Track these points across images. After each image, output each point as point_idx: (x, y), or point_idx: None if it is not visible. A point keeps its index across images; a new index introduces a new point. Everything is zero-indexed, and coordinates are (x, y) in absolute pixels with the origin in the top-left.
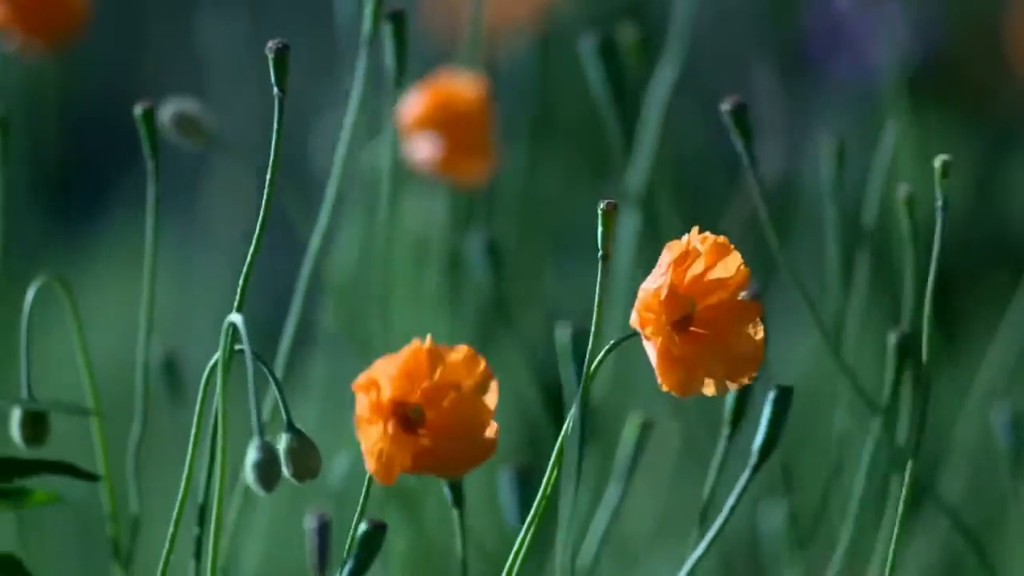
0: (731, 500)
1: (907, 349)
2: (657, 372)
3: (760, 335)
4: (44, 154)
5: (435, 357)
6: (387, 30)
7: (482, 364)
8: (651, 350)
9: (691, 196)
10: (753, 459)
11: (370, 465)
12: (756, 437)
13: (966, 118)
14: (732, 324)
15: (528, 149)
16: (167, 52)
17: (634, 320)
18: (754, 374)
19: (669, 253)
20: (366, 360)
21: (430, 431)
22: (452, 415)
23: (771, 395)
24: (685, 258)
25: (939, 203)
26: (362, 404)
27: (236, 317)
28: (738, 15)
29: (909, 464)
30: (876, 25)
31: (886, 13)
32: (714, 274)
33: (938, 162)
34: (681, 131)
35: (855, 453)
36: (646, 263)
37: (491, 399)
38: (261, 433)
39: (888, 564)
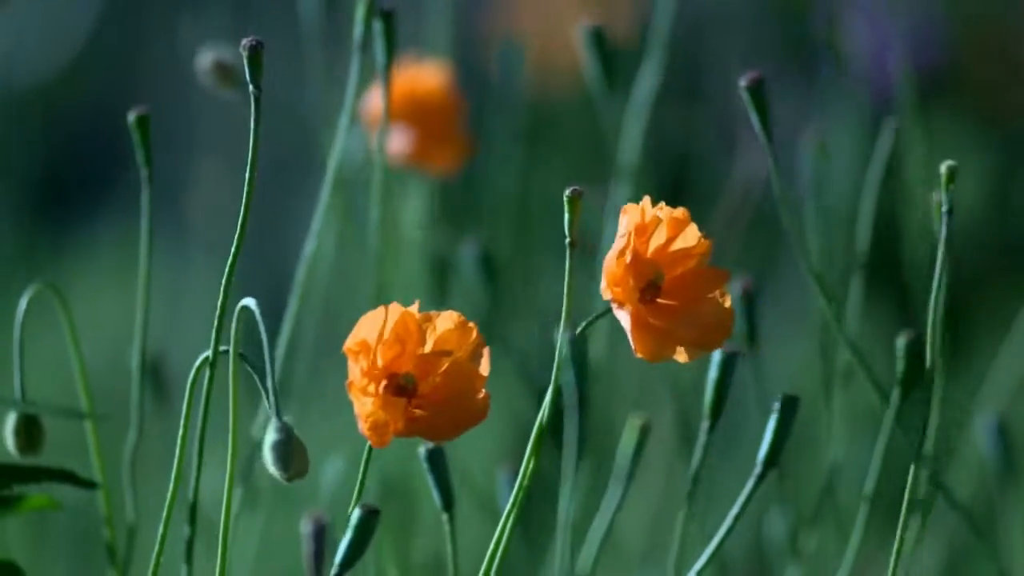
0: (734, 510)
1: (918, 352)
2: (631, 339)
3: (728, 302)
4: (37, 161)
5: (425, 323)
6: (378, 28)
7: (474, 332)
8: (623, 318)
9: (681, 195)
10: (758, 469)
11: (363, 430)
12: (760, 447)
13: (978, 124)
14: (700, 292)
15: (519, 153)
16: (163, 59)
17: (603, 290)
18: (724, 340)
19: (627, 218)
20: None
21: (423, 399)
22: (445, 383)
23: (776, 404)
24: (645, 228)
25: (945, 208)
26: (354, 370)
27: (249, 301)
28: (741, 18)
29: (925, 467)
30: (886, 31)
31: (896, 19)
32: (676, 245)
33: (944, 167)
34: (675, 132)
35: (851, 457)
36: None
37: (484, 366)
38: (278, 414)
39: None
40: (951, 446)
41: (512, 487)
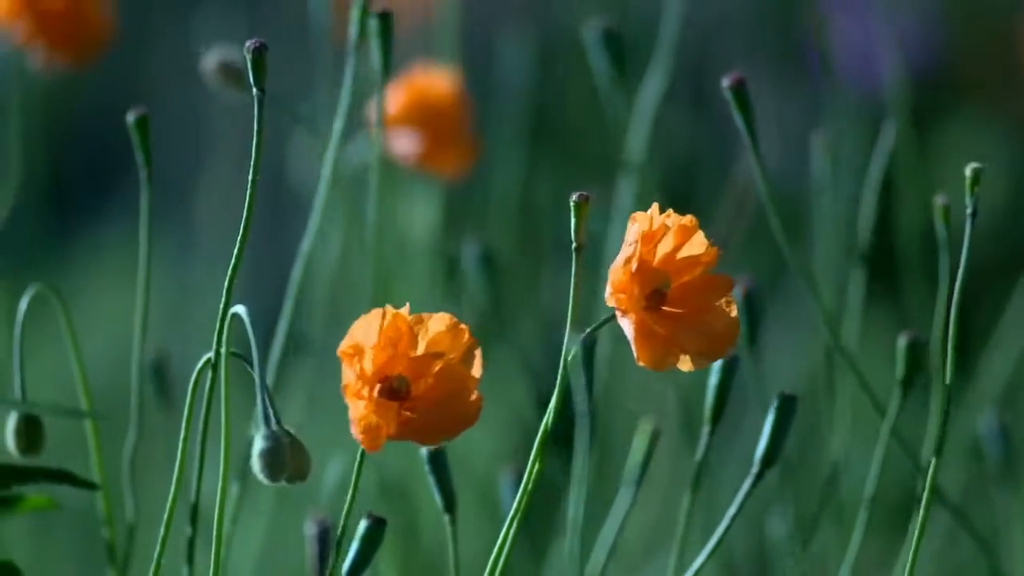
0: (732, 509)
1: (917, 352)
2: (633, 347)
3: (734, 311)
4: (43, 161)
5: (417, 325)
6: (373, 29)
7: (466, 333)
8: (627, 325)
9: (685, 199)
10: (755, 468)
11: (356, 433)
12: (759, 446)
13: (977, 124)
14: (706, 300)
15: (523, 155)
16: (168, 60)
17: (608, 297)
18: (729, 349)
19: (635, 226)
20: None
21: (415, 401)
22: (437, 385)
23: (774, 403)
24: (653, 236)
25: (969, 211)
26: (347, 373)
27: (240, 308)
28: (743, 21)
29: (930, 468)
30: (885, 31)
31: (895, 19)
32: (683, 253)
33: (969, 170)
34: (677, 135)
35: (854, 456)
36: None
37: (476, 368)
38: (268, 421)
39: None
40: (947, 445)
41: (515, 490)
